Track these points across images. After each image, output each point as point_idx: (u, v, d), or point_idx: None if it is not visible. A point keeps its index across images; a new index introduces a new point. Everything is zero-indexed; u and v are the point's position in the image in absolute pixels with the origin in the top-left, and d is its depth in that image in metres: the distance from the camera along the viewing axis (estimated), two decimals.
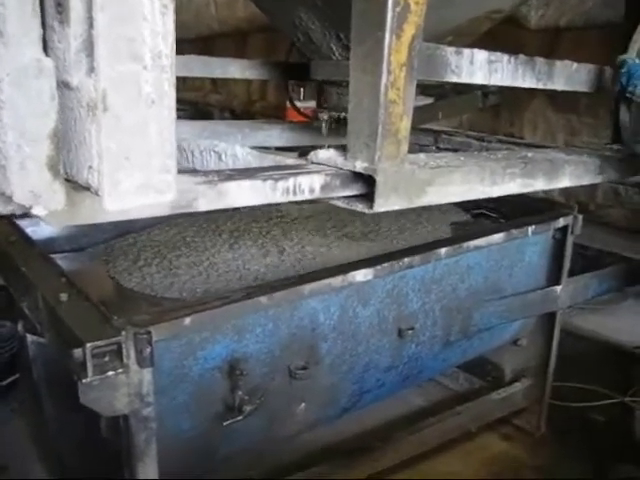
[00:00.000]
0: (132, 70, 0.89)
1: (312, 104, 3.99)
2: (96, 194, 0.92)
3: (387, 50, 1.53)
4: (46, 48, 0.85)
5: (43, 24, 0.82)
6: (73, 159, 0.94)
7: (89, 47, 0.87)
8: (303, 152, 1.99)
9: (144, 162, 0.93)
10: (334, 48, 2.56)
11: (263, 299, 1.68)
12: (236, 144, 1.90)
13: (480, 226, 2.76)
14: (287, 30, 2.77)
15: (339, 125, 2.88)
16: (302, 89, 4.95)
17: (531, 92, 4.57)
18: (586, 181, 2.46)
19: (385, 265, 1.96)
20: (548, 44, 4.66)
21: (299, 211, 2.85)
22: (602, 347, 3.51)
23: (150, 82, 0.91)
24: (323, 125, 2.93)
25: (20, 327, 2.33)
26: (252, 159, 1.75)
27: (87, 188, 0.94)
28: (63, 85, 0.91)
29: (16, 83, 0.81)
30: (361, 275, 1.89)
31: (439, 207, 2.92)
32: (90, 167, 0.90)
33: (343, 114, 2.70)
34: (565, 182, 2.32)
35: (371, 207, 1.65)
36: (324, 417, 2.16)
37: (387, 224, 2.72)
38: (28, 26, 0.81)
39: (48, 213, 0.91)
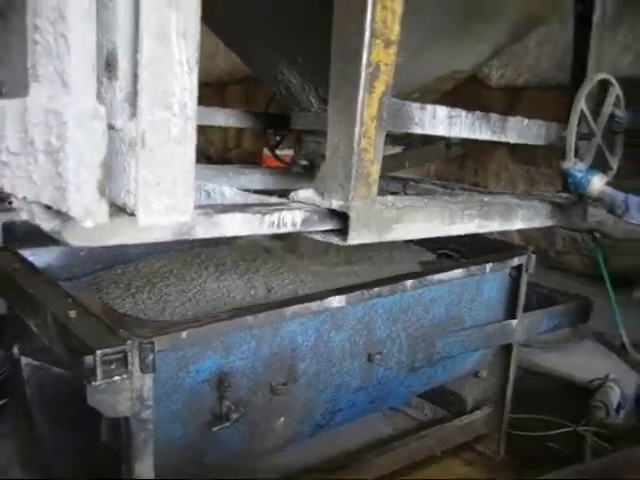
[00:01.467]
0: (165, 117, 1.13)
1: (288, 152, 4.28)
2: (132, 213, 1.15)
3: (360, 104, 1.80)
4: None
5: None
6: (113, 185, 1.18)
7: (131, 98, 1.11)
8: (282, 194, 2.22)
9: (171, 188, 1.17)
10: (313, 100, 2.83)
11: (249, 318, 1.91)
12: (223, 185, 2.14)
13: (443, 263, 3.01)
14: (269, 83, 3.04)
15: (314, 170, 3.14)
16: (278, 138, 5.18)
17: (494, 144, 4.89)
18: (537, 224, 2.74)
19: (357, 293, 2.20)
20: (509, 101, 5.03)
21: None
22: (559, 383, 3.73)
23: (178, 126, 1.15)
24: (301, 170, 3.19)
25: (15, 350, 2.50)
26: (238, 198, 1.98)
27: (123, 209, 1.17)
28: (108, 127, 1.15)
29: (78, 124, 1.04)
30: (336, 301, 2.12)
31: (408, 248, 3.17)
32: (128, 191, 1.14)
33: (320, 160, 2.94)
34: (518, 224, 2.60)
35: (345, 240, 1.91)
36: (300, 432, 2.36)
37: (362, 263, 2.95)
38: (87, 81, 1.05)
39: (88, 229, 1.14)
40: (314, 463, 2.81)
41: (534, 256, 2.92)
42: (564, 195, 2.87)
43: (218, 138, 8.46)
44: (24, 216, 1.23)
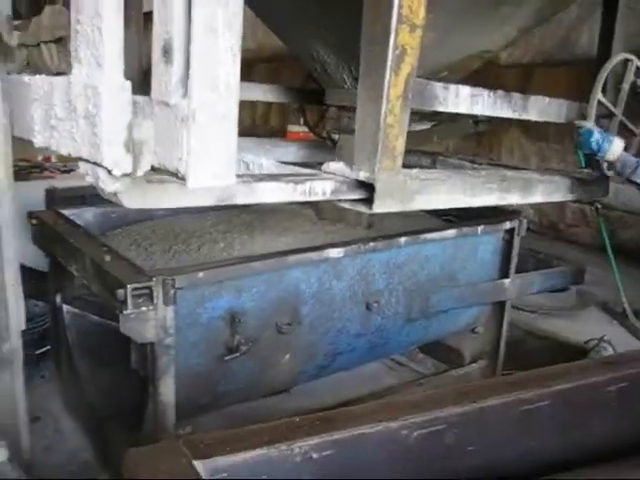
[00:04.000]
0: (212, 97, 1.43)
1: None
2: (182, 178, 1.47)
3: (387, 85, 2.01)
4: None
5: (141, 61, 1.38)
6: (166, 154, 1.49)
7: (184, 80, 1.41)
8: (315, 166, 2.44)
9: (217, 157, 1.48)
10: (346, 78, 3.00)
11: (257, 264, 2.23)
12: (261, 157, 2.38)
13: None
14: (306, 61, 3.24)
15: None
16: (302, 114, 5.37)
17: (508, 122, 5.11)
18: (557, 198, 2.94)
19: (354, 246, 2.50)
20: (522, 79, 5.26)
21: None
22: (557, 344, 3.97)
23: (223, 105, 1.45)
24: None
25: (58, 299, 2.86)
26: (274, 169, 2.21)
27: (175, 174, 1.49)
28: (162, 104, 1.47)
29: (109, 95, 1.35)
30: (334, 252, 2.43)
31: (419, 215, 3.39)
32: (180, 159, 1.44)
33: None
34: (537, 198, 2.81)
35: (370, 208, 2.15)
36: (305, 372, 2.68)
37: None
38: (116, 62, 1.36)
39: (142, 194, 1.46)
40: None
41: (525, 221, 3.17)
42: (585, 171, 3.08)
43: (246, 115, 8.75)
44: (89, 179, 1.53)
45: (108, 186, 1.42)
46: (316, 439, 1.25)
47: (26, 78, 1.69)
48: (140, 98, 1.48)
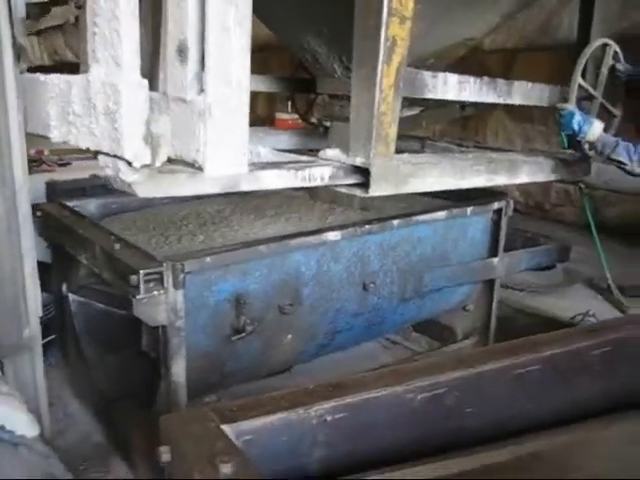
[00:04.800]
0: (226, 92, 1.55)
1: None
2: (199, 168, 1.58)
3: (380, 74, 2.10)
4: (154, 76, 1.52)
5: (154, 60, 1.49)
6: (183, 146, 1.61)
7: (199, 77, 1.53)
8: (306, 153, 2.52)
9: (231, 148, 1.59)
10: (336, 67, 3.09)
11: (262, 248, 2.34)
12: (257, 145, 2.44)
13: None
14: (296, 51, 3.33)
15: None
16: (289, 102, 5.42)
17: (492, 105, 5.22)
18: (541, 178, 3.05)
19: (350, 229, 2.62)
20: (506, 64, 5.37)
21: None
22: (544, 319, 4.10)
23: (235, 99, 1.56)
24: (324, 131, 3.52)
25: (64, 288, 2.96)
26: (272, 156, 2.30)
27: (192, 164, 1.60)
28: (179, 100, 1.58)
29: (128, 92, 1.45)
30: (332, 235, 2.55)
31: (413, 197, 3.49)
32: (197, 150, 1.56)
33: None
34: (523, 178, 2.92)
35: (366, 192, 2.24)
36: (306, 351, 2.80)
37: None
38: (134, 62, 1.46)
39: (157, 183, 1.58)
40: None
41: (512, 201, 3.31)
42: (568, 152, 3.19)
43: None
44: (108, 172, 1.63)
45: (128, 177, 1.53)
46: (330, 403, 1.38)
47: (42, 77, 1.79)
48: (155, 94, 1.59)
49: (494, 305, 3.49)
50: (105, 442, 2.82)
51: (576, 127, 2.85)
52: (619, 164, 2.88)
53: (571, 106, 2.89)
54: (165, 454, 1.23)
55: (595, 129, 2.85)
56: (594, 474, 1.43)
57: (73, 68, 1.87)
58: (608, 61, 3.00)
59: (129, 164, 1.51)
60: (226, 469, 1.11)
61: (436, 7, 2.66)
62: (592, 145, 2.90)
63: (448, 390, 1.51)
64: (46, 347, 3.46)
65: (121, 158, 1.51)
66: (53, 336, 3.41)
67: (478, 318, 3.57)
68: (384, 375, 1.51)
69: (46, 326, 3.48)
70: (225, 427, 1.27)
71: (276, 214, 3.15)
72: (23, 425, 1.69)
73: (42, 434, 1.75)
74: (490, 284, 3.45)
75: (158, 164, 1.58)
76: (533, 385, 1.63)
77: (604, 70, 3.01)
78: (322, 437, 1.39)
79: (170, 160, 1.64)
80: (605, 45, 2.99)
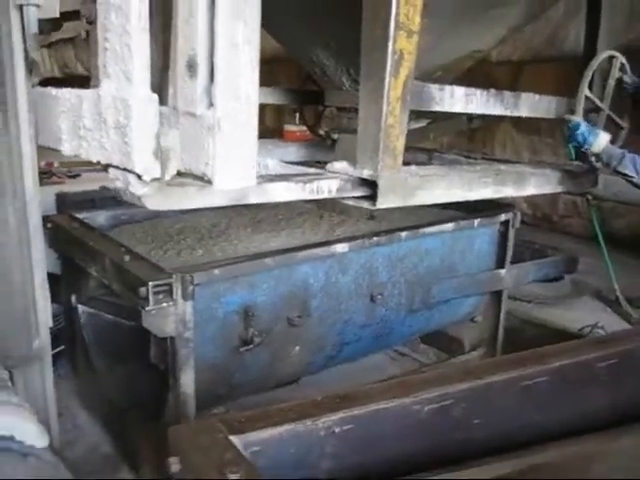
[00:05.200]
0: (235, 106, 1.57)
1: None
2: (208, 181, 1.60)
3: (387, 87, 2.13)
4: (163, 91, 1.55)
5: (164, 75, 1.52)
6: (192, 159, 1.63)
7: (208, 92, 1.55)
8: (314, 165, 2.53)
9: (240, 161, 1.61)
10: (344, 80, 3.13)
11: (269, 260, 2.36)
12: (265, 157, 2.46)
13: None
14: (305, 64, 3.37)
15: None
16: (297, 115, 5.44)
17: (500, 117, 5.22)
18: (548, 190, 3.07)
19: (358, 241, 2.63)
20: (513, 75, 5.39)
21: None
22: (552, 331, 4.09)
23: (244, 113, 1.59)
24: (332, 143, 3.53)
25: (73, 300, 2.98)
26: (280, 169, 2.32)
27: (201, 178, 1.62)
28: (188, 114, 1.61)
29: (139, 107, 1.48)
30: (340, 247, 2.56)
31: (421, 208, 3.51)
32: (206, 163, 1.58)
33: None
34: (530, 190, 2.94)
35: (374, 204, 2.26)
36: (314, 362, 2.81)
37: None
38: (144, 77, 1.49)
39: (166, 196, 1.60)
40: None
41: (519, 213, 3.31)
42: (575, 164, 3.21)
43: None
44: (118, 184, 1.66)
45: (138, 190, 1.55)
46: (338, 415, 1.38)
47: (53, 91, 1.82)
48: (165, 109, 1.61)
49: (502, 316, 3.49)
50: (114, 453, 2.83)
51: (580, 139, 2.86)
52: (625, 176, 2.88)
53: (578, 118, 2.90)
54: (174, 465, 1.23)
55: (601, 140, 2.85)
56: None
57: (83, 81, 1.90)
58: (615, 73, 3.01)
59: (139, 177, 1.54)
60: (235, 479, 1.12)
61: (443, 21, 2.68)
62: (598, 157, 2.91)
63: (455, 402, 1.51)
64: (55, 358, 3.50)
65: (131, 171, 1.53)
66: (62, 347, 3.46)
67: (486, 329, 3.57)
68: (391, 387, 1.52)
69: (55, 337, 3.52)
70: (233, 438, 1.28)
71: (275, 228, 3.17)
72: (33, 435, 1.70)
73: (51, 444, 1.76)
74: (498, 295, 3.45)
75: (168, 177, 1.61)
76: (541, 396, 1.64)
77: (611, 82, 3.01)
78: (330, 449, 1.39)
79: (179, 173, 1.66)
80: (612, 57, 3.00)
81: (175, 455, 1.25)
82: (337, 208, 3.36)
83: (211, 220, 3.30)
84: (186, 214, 3.31)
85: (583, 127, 2.85)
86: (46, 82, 2.02)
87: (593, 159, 2.94)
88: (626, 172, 2.84)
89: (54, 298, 3.37)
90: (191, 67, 1.53)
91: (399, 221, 3.17)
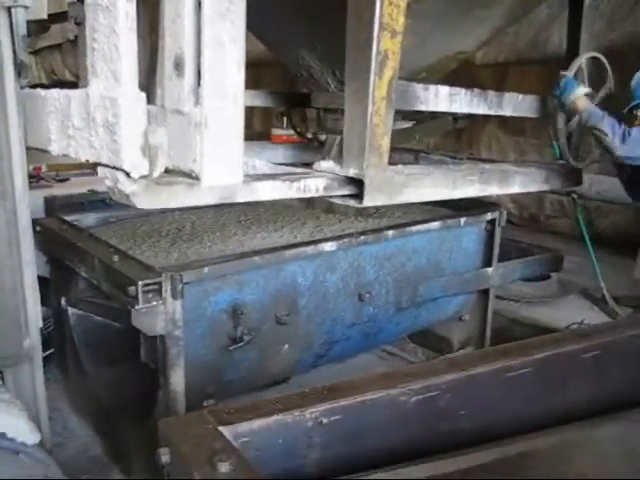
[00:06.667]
0: (221, 104, 1.58)
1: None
2: (196, 178, 1.62)
3: (372, 87, 2.14)
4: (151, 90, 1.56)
5: (151, 74, 1.54)
6: (180, 156, 1.64)
7: (195, 90, 1.57)
8: (301, 165, 2.56)
9: (226, 158, 1.63)
10: (330, 82, 3.15)
11: (257, 258, 2.38)
12: (253, 158, 2.48)
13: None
14: (291, 66, 3.39)
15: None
16: (284, 118, 5.45)
17: (485, 118, 5.29)
18: (533, 188, 3.10)
19: (346, 240, 2.66)
20: (499, 77, 5.45)
21: None
22: (539, 329, 4.12)
23: (230, 111, 1.60)
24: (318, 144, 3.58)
25: (63, 302, 2.98)
26: (267, 169, 2.33)
27: (189, 174, 1.64)
28: (176, 112, 1.62)
29: (127, 105, 1.50)
30: (328, 246, 2.59)
31: (408, 207, 3.55)
32: (194, 160, 1.59)
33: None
34: (515, 188, 2.97)
35: (360, 202, 2.28)
36: (303, 361, 2.83)
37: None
38: (132, 76, 1.51)
39: (155, 195, 1.61)
40: None
41: (505, 212, 3.35)
42: (560, 162, 3.26)
43: None
44: (107, 183, 1.67)
45: (127, 188, 1.57)
46: (325, 406, 1.41)
47: (42, 92, 1.84)
48: (153, 107, 1.63)
49: (489, 315, 3.52)
50: (103, 454, 2.84)
51: (564, 85, 2.98)
52: (600, 134, 2.96)
53: (570, 73, 3.02)
54: (165, 455, 1.25)
55: (579, 90, 2.96)
56: (584, 474, 1.46)
57: (70, 87, 1.91)
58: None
59: (127, 175, 1.55)
60: (224, 468, 1.14)
61: (426, 22, 2.72)
62: (576, 111, 3.00)
63: (441, 393, 1.54)
64: (44, 362, 3.52)
65: (120, 169, 1.55)
66: (52, 350, 3.46)
67: (474, 328, 3.60)
68: (378, 378, 1.54)
69: (45, 340, 3.53)
70: (223, 429, 1.30)
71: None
72: (24, 433, 1.72)
73: (42, 442, 1.78)
74: (485, 294, 3.49)
75: (156, 175, 1.63)
76: (525, 387, 1.67)
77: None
78: (317, 439, 1.41)
79: (167, 171, 1.68)
80: (593, 58, 3.06)
81: (165, 446, 1.27)
82: (334, 208, 3.37)
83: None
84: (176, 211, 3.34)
85: (570, 79, 2.97)
86: (33, 88, 2.03)
87: (567, 110, 3.03)
88: (602, 128, 2.93)
89: (43, 301, 3.40)
90: (178, 66, 1.56)
91: (398, 220, 3.23)
